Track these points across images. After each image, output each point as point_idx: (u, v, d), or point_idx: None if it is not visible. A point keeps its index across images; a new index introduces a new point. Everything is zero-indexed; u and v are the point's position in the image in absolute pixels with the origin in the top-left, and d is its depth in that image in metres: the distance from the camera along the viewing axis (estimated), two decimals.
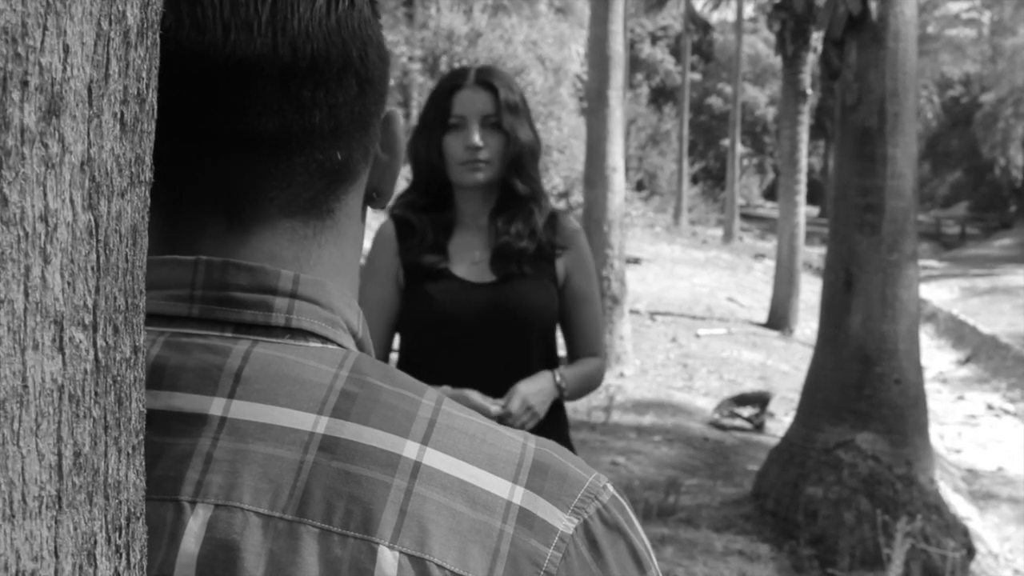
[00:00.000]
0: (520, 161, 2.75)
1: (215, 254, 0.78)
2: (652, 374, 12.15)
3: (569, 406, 10.11)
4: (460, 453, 0.74)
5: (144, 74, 0.54)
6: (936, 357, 16.96)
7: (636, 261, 19.41)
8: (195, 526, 0.69)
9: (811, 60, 15.85)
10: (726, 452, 8.98)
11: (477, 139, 2.70)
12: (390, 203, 2.55)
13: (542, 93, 22.96)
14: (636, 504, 6.89)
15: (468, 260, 2.77)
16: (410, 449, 0.72)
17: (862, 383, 6.99)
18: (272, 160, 0.78)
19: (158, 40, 0.57)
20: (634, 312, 14.53)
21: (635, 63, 40.25)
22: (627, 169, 30.27)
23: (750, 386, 11.58)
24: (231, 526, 0.69)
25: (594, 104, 12.03)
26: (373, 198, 0.88)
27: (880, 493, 6.64)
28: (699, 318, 15.84)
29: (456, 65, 21.43)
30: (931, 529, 6.50)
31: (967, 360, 16.79)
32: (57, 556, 0.47)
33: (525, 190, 2.77)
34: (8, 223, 0.44)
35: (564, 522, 0.74)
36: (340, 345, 0.79)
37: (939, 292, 25.33)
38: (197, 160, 0.77)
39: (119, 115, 0.51)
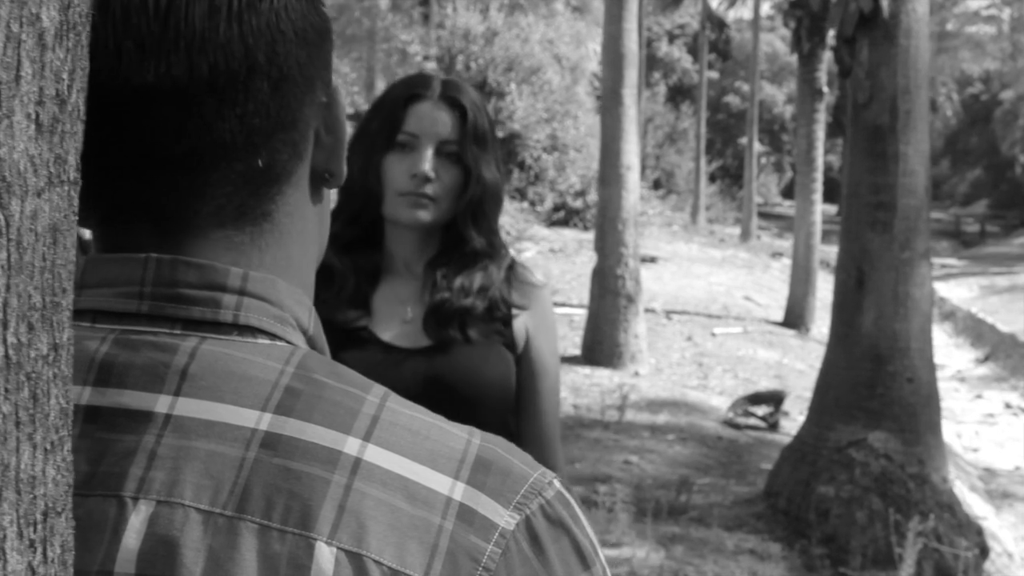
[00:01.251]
0: (480, 206, 2.17)
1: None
2: (667, 373, 12.15)
3: (582, 404, 10.13)
4: (402, 449, 0.74)
5: (65, 75, 0.55)
6: (954, 356, 16.90)
7: (652, 260, 19.38)
8: (137, 522, 0.70)
9: (827, 58, 15.79)
10: (740, 451, 8.97)
11: (427, 167, 2.10)
12: None
13: (559, 92, 22.96)
14: (647, 503, 6.89)
15: (397, 318, 2.16)
16: (351, 445, 0.73)
17: (874, 382, 6.98)
18: (188, 178, 0.77)
19: (84, 41, 0.58)
20: (650, 311, 14.52)
21: (652, 61, 40.18)
22: (644, 168, 30.25)
23: (765, 385, 11.56)
24: (172, 522, 0.70)
25: (608, 103, 12.03)
26: (326, 179, 0.86)
27: (892, 492, 6.62)
28: (715, 317, 15.81)
29: (473, 64, 21.44)
30: (944, 528, 6.48)
31: (985, 359, 16.73)
32: None
33: (481, 244, 2.18)
34: None
35: (505, 518, 0.74)
36: (289, 342, 0.80)
37: (958, 290, 25.23)
38: (116, 181, 0.76)
39: (34, 116, 0.52)
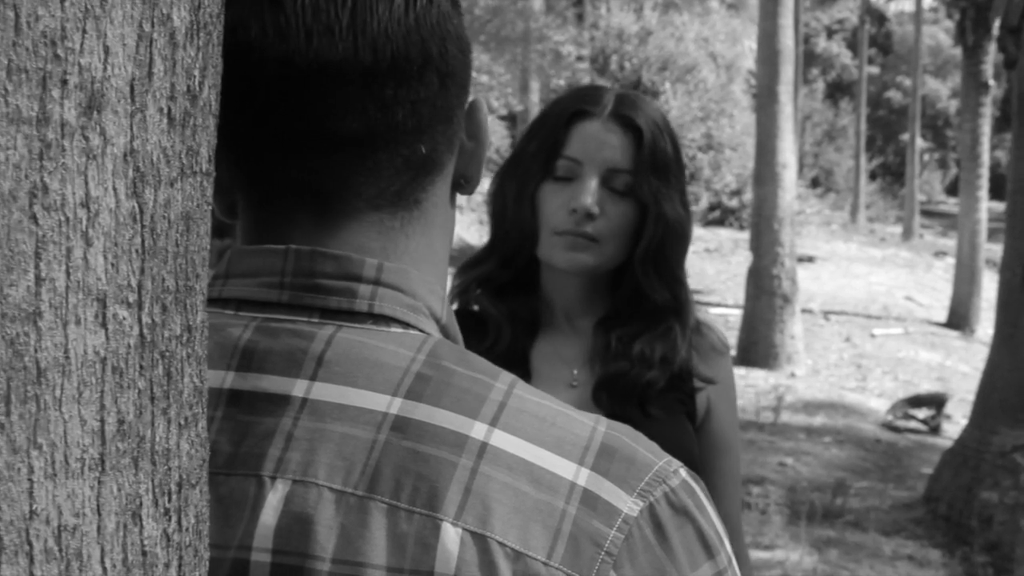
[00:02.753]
0: (661, 251, 1.80)
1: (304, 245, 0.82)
2: (824, 374, 11.93)
3: (737, 405, 9.97)
4: (528, 435, 0.76)
5: (196, 72, 0.58)
6: None
7: (810, 259, 19.04)
8: (274, 500, 0.74)
9: (993, 50, 15.29)
10: (899, 454, 8.76)
11: (590, 201, 1.74)
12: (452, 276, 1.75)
13: (714, 90, 22.73)
14: (801, 505, 6.78)
15: (560, 382, 1.84)
16: (478, 430, 0.75)
17: None
18: (358, 158, 0.81)
19: (216, 40, 0.61)
20: (807, 311, 14.27)
21: (810, 58, 39.46)
22: (802, 166, 29.74)
23: (927, 387, 11.27)
24: (306, 500, 0.73)
25: (764, 100, 11.90)
26: (461, 184, 0.90)
27: None
28: (875, 317, 15.46)
29: (627, 64, 21.37)
30: None
31: None
32: (100, 514, 0.51)
33: (664, 298, 1.82)
34: (49, 208, 0.48)
35: (629, 504, 0.75)
36: (421, 330, 0.82)
37: None
38: (284, 160, 0.81)
39: (166, 110, 0.55)
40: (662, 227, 1.78)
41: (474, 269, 1.89)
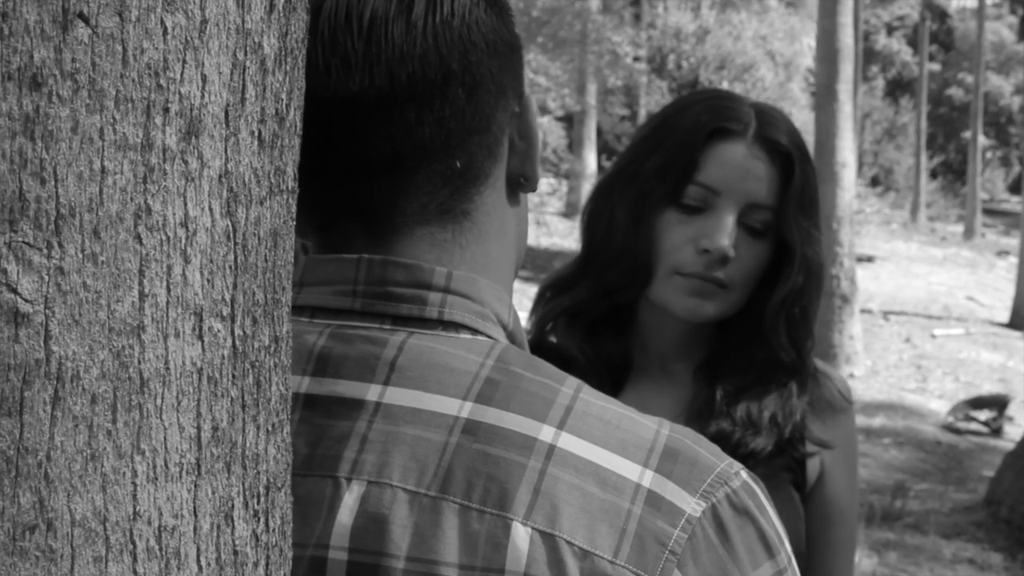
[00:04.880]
0: (800, 302, 1.53)
1: None
2: (883, 375, 11.82)
3: None
4: (594, 438, 0.79)
5: (284, 95, 0.61)
6: None
7: (869, 259, 18.88)
8: (350, 500, 0.77)
9: None
10: (959, 457, 8.67)
11: (727, 243, 1.47)
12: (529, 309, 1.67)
13: (772, 89, 22.60)
14: (860, 507, 6.74)
15: None
16: (546, 433, 0.78)
17: None
18: (392, 179, 0.83)
19: (300, 63, 0.64)
20: (866, 311, 14.15)
21: (870, 55, 39.05)
22: (861, 165, 29.46)
23: (988, 388, 11.13)
24: (381, 501, 0.76)
25: (823, 99, 11.80)
26: (522, 184, 0.92)
27: None
28: (935, 317, 15.29)
29: (684, 64, 21.28)
30: None
31: None
32: (196, 515, 0.55)
33: (790, 356, 1.54)
34: (152, 229, 0.52)
35: (692, 505, 0.77)
36: (489, 336, 0.85)
37: None
38: (330, 188, 0.84)
39: (257, 133, 0.58)
40: (804, 273, 1.51)
41: (562, 295, 1.61)
